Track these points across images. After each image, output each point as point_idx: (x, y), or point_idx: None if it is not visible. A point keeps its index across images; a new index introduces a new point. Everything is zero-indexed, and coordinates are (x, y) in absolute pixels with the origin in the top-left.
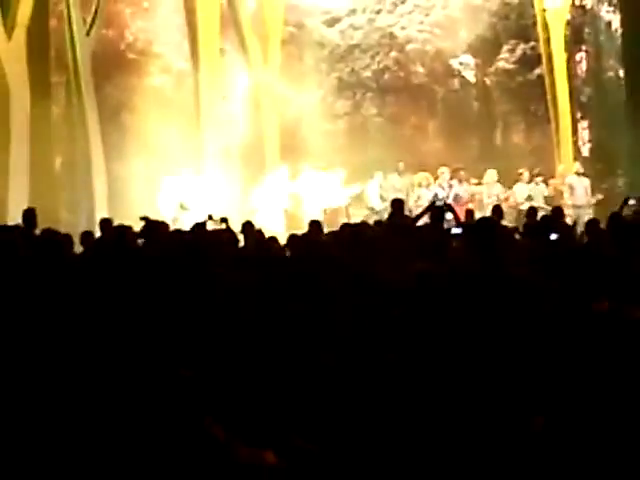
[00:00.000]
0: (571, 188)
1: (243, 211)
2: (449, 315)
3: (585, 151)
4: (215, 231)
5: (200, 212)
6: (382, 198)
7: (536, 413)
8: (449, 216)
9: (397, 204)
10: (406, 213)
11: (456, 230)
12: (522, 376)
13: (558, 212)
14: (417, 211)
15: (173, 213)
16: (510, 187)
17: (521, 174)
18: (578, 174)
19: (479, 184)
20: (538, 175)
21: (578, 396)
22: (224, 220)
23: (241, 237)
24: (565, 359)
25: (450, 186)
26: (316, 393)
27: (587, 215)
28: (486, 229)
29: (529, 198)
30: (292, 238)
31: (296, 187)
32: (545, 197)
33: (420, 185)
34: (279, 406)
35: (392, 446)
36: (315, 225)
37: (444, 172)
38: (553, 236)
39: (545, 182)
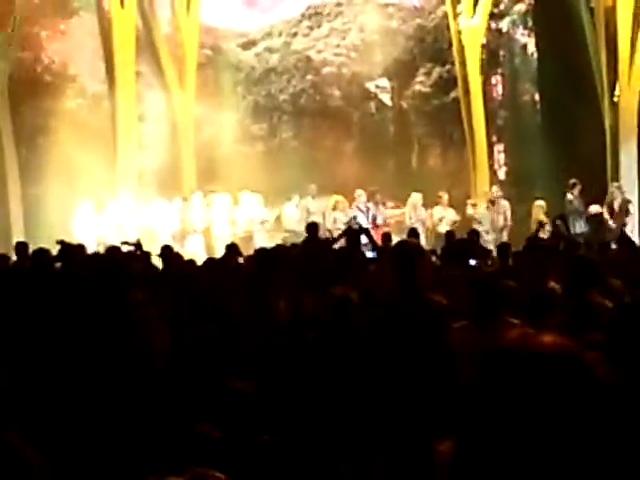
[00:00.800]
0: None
1: (160, 234)
2: (365, 338)
3: (501, 174)
4: (129, 254)
5: (116, 236)
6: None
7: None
8: (364, 240)
9: (312, 228)
10: (325, 236)
11: (371, 254)
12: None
13: (474, 236)
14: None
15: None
16: (427, 210)
17: (440, 197)
18: (493, 199)
19: (396, 207)
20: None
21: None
22: (138, 244)
23: (159, 261)
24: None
25: (367, 209)
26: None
27: (501, 239)
28: (404, 253)
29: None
30: (209, 262)
31: (212, 210)
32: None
33: (335, 208)
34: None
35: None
36: (232, 249)
37: (361, 195)
38: (472, 262)
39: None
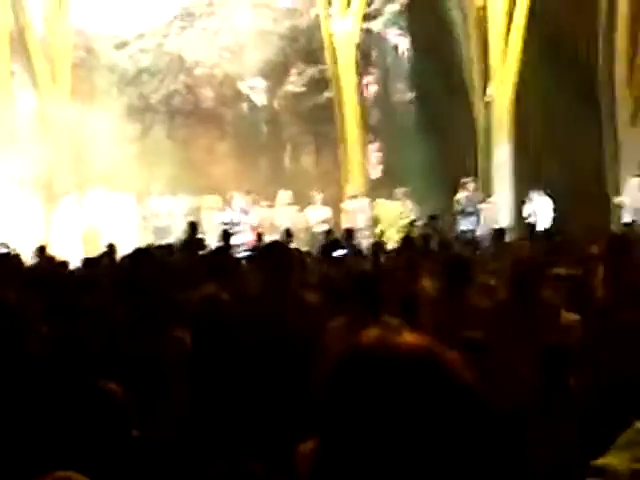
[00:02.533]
0: (352, 211)
1: (36, 236)
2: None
3: (376, 173)
4: (2, 254)
5: None
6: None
7: None
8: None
9: (191, 227)
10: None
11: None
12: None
13: (348, 234)
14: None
15: None
16: (302, 210)
17: (313, 197)
18: (354, 197)
19: (270, 207)
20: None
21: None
22: (6, 245)
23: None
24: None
25: (241, 210)
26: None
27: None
28: (275, 252)
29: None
30: (86, 261)
31: (87, 212)
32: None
33: (209, 208)
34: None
35: None
36: (110, 248)
37: (234, 196)
38: (337, 252)
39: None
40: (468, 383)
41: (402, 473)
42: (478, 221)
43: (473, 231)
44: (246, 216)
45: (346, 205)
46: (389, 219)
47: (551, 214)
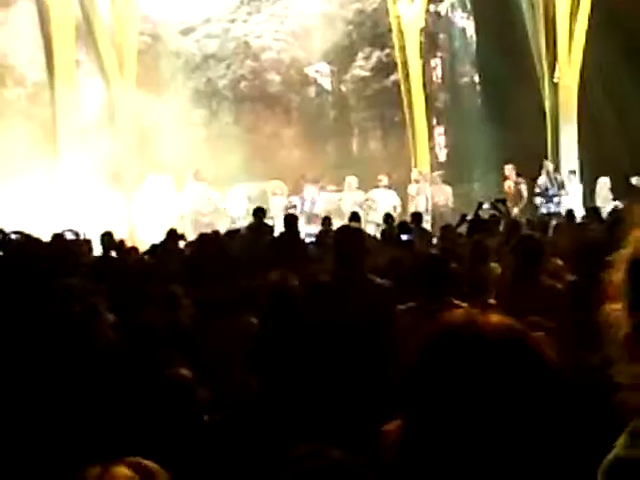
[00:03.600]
0: (415, 194)
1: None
2: (306, 323)
3: (442, 156)
4: (72, 241)
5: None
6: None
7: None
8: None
9: (259, 213)
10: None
11: (310, 238)
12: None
13: (415, 218)
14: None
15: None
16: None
17: (380, 180)
18: (417, 181)
19: (338, 191)
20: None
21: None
22: (79, 232)
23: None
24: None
25: (303, 198)
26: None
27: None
28: (347, 236)
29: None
30: (152, 248)
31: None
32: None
33: (275, 194)
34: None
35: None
36: (172, 234)
37: (305, 187)
38: (404, 237)
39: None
40: (554, 364)
41: (490, 453)
42: (560, 204)
43: (558, 214)
44: (313, 205)
45: (410, 189)
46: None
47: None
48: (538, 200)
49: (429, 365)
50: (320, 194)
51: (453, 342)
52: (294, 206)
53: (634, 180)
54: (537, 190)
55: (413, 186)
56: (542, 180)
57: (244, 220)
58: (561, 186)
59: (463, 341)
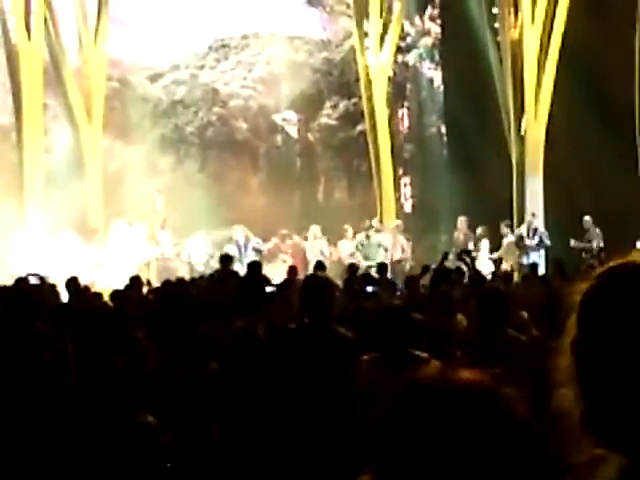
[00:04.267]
0: (379, 245)
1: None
2: (272, 371)
3: (408, 207)
4: (36, 285)
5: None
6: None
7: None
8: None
9: (226, 260)
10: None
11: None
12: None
13: (381, 268)
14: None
15: None
16: (334, 243)
17: (346, 230)
18: (378, 231)
19: (303, 240)
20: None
21: None
22: (43, 276)
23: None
24: None
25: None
26: None
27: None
28: (314, 286)
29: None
30: (114, 294)
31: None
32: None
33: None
34: None
35: None
36: (135, 281)
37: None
38: (369, 288)
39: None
40: (526, 419)
41: None
42: (540, 255)
43: (536, 265)
44: (244, 248)
45: (372, 240)
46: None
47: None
48: (521, 250)
49: (400, 420)
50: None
51: (424, 397)
52: (260, 250)
53: (572, 242)
54: (514, 240)
55: (376, 236)
56: (520, 231)
57: (207, 267)
58: (540, 239)
59: (435, 397)
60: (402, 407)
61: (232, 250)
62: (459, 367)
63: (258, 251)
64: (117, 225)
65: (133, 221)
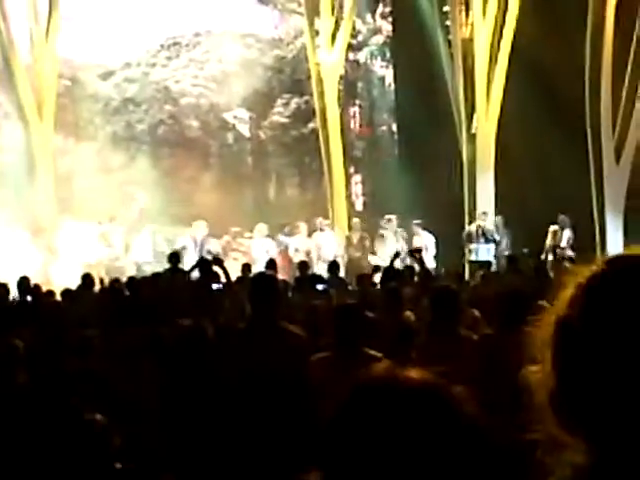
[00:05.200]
0: (328, 242)
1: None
2: (217, 369)
3: (359, 205)
4: None
5: None
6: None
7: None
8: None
9: (174, 258)
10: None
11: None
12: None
13: (333, 266)
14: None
15: None
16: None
17: (297, 227)
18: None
19: (251, 238)
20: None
21: None
22: None
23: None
24: None
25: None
26: None
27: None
28: (263, 284)
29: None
30: (65, 292)
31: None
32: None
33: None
34: None
35: None
36: (87, 279)
37: (200, 226)
38: (320, 286)
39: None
40: (474, 418)
41: None
42: (491, 251)
43: (489, 262)
44: (200, 246)
45: (317, 237)
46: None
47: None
48: (467, 248)
49: (347, 420)
50: (208, 239)
51: (372, 397)
52: (184, 247)
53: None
54: (464, 237)
55: (320, 234)
56: (470, 228)
57: (157, 265)
58: (490, 235)
59: (383, 397)
60: (350, 407)
61: (187, 243)
62: (408, 366)
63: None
64: (69, 224)
65: (85, 219)
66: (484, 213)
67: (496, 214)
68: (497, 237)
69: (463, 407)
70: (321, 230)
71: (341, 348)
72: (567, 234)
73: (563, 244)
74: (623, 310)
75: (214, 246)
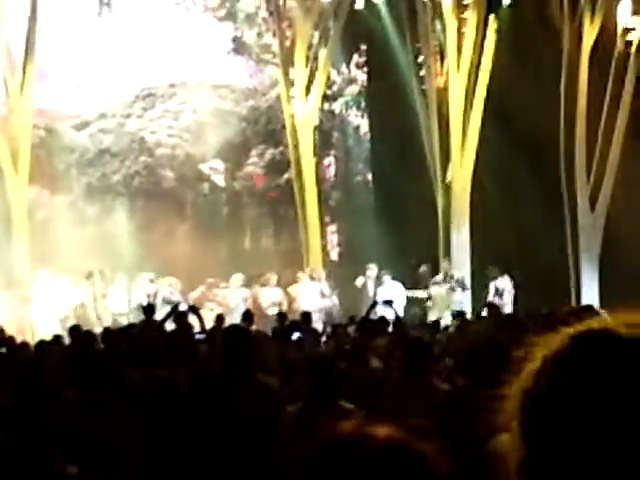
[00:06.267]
0: (305, 293)
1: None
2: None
3: (334, 255)
4: None
5: None
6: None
7: None
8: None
9: (148, 310)
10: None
11: (200, 336)
12: None
13: (305, 317)
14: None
15: None
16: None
17: (268, 279)
18: (312, 278)
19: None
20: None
21: None
22: None
23: None
24: None
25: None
26: None
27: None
28: (236, 336)
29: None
30: (39, 345)
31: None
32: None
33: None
34: None
35: None
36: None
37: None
38: (295, 335)
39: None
40: (444, 476)
41: None
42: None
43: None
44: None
45: (293, 288)
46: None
47: (511, 297)
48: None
49: (314, 476)
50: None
51: (339, 455)
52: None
53: (422, 268)
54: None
55: (297, 285)
56: (436, 278)
57: (133, 316)
58: (460, 285)
59: (349, 454)
60: (316, 464)
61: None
62: (377, 422)
63: (168, 302)
64: (44, 275)
65: (60, 271)
66: (449, 262)
67: (471, 263)
68: (467, 287)
69: (432, 465)
70: (295, 282)
71: (314, 399)
72: (493, 287)
73: (490, 297)
74: (588, 385)
75: (176, 297)
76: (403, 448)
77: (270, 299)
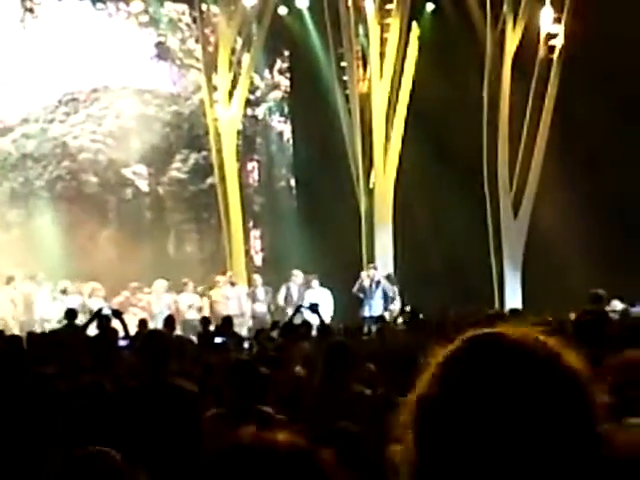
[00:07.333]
0: (226, 298)
1: None
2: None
3: (258, 260)
4: None
5: None
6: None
7: None
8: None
9: (71, 315)
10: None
11: (124, 342)
12: None
13: (226, 322)
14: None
15: None
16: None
17: (186, 284)
18: (232, 284)
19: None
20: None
21: None
22: None
23: None
24: None
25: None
26: None
27: (245, 325)
28: (153, 341)
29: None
30: None
31: None
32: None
33: (91, 295)
34: None
35: None
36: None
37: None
38: (218, 339)
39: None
40: None
41: None
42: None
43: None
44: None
45: (214, 293)
46: None
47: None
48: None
49: None
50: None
51: (238, 462)
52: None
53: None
54: (355, 292)
55: (217, 290)
56: (362, 283)
57: (56, 321)
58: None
59: (248, 461)
60: (217, 472)
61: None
62: (276, 429)
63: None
64: None
65: None
66: (374, 267)
67: (394, 269)
68: (391, 293)
69: (329, 472)
70: (218, 287)
71: (235, 405)
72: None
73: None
74: (476, 387)
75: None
76: (301, 455)
77: (187, 304)
